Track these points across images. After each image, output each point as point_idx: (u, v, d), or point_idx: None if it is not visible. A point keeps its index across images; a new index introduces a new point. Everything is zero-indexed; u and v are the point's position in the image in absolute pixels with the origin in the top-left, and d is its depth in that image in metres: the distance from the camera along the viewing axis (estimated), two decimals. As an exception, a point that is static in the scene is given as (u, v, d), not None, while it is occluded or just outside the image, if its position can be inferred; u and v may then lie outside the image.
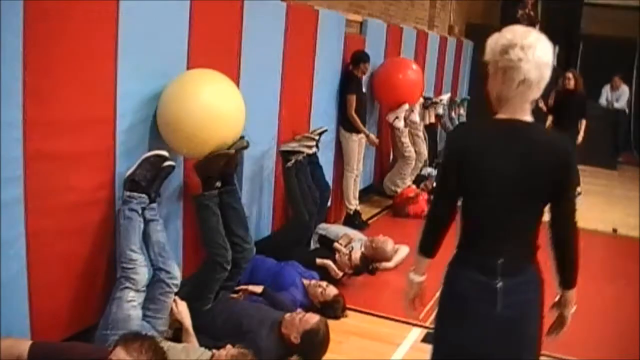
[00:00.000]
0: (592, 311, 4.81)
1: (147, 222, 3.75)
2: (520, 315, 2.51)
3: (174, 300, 3.75)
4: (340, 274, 5.15)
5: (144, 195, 3.72)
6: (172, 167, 3.90)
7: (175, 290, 3.75)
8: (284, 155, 5.43)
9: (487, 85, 2.49)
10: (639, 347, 4.55)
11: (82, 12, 3.31)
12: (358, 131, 6.81)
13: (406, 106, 7.69)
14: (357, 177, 7.06)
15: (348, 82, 6.67)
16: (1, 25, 2.86)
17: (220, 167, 4.07)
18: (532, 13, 12.59)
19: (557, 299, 2.63)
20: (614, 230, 7.77)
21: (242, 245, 4.27)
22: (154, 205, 3.80)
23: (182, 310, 3.77)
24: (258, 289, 4.44)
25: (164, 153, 3.85)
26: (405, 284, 2.85)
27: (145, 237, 3.75)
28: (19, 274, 3.18)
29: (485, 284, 2.48)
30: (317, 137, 5.77)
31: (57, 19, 3.17)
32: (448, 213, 2.59)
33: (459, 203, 2.58)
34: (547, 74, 2.39)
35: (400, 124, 7.63)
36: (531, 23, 12.64)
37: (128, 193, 3.70)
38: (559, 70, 12.39)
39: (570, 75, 9.03)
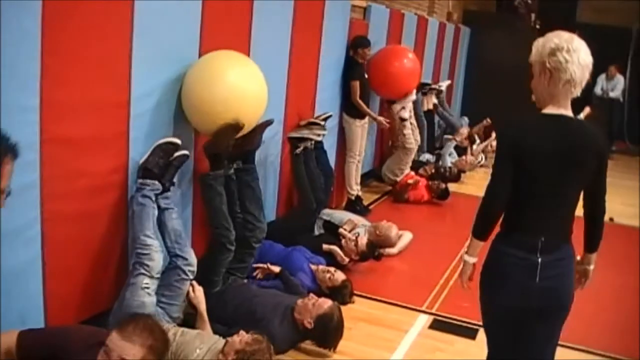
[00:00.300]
0: (599, 298, 4.87)
1: (162, 210, 3.74)
2: (555, 287, 2.84)
3: (192, 285, 3.74)
4: (347, 260, 5.16)
5: (156, 182, 3.71)
6: (186, 157, 3.91)
7: (192, 277, 3.73)
8: (293, 142, 5.41)
9: (530, 83, 2.82)
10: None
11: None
12: (361, 117, 6.80)
13: (413, 96, 7.68)
14: (359, 162, 7.06)
15: (351, 68, 6.64)
16: (20, 10, 2.83)
17: (229, 145, 4.04)
18: (529, 1, 12.57)
19: (580, 258, 3.00)
20: (611, 219, 7.81)
21: (255, 224, 4.31)
22: (169, 194, 3.79)
23: (199, 295, 3.76)
24: (276, 268, 4.44)
25: (176, 140, 3.84)
26: (462, 267, 3.05)
27: (161, 226, 3.74)
28: (35, 258, 3.17)
29: (527, 259, 2.78)
30: (323, 123, 5.76)
31: (74, 4, 3.14)
32: (505, 199, 2.81)
33: None
34: (587, 75, 2.71)
35: (405, 114, 7.61)
36: (528, 11, 12.67)
37: (141, 180, 3.69)
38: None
39: None
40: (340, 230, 5.52)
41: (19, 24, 2.84)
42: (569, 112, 2.75)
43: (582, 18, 13.88)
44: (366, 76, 6.86)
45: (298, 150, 5.39)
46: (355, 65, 6.64)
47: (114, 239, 3.68)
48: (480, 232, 2.89)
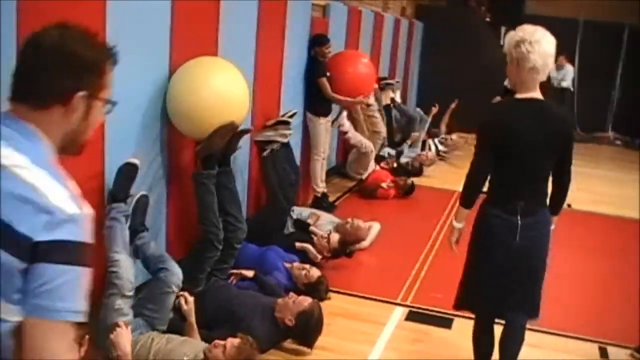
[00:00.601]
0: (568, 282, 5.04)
1: (138, 247, 3.80)
2: (532, 246, 3.34)
3: (184, 297, 3.74)
4: (319, 257, 5.21)
5: (121, 204, 3.75)
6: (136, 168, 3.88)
7: (177, 290, 3.71)
8: (260, 145, 5.42)
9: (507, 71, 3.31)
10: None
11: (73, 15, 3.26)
12: (325, 115, 6.84)
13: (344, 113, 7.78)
14: (324, 160, 7.11)
15: (314, 66, 6.67)
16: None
17: (222, 146, 4.16)
18: (480, -6, 12.82)
19: None
20: (568, 205, 8.04)
21: (235, 225, 4.37)
22: (143, 234, 3.86)
23: (191, 307, 3.74)
24: (249, 273, 4.46)
25: (135, 162, 3.85)
26: (451, 231, 3.55)
27: (139, 254, 3.79)
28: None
29: (509, 220, 3.28)
30: (290, 120, 5.79)
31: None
32: (486, 173, 3.33)
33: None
34: (550, 62, 3.20)
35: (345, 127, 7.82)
36: (479, 4, 12.90)
37: (108, 206, 3.71)
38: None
39: None
40: (312, 228, 5.57)
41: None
42: (537, 95, 3.22)
43: (530, 10, 14.19)
44: (328, 74, 6.90)
45: (265, 153, 5.41)
46: (318, 63, 6.68)
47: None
48: (466, 201, 3.41)
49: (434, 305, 4.85)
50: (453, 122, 11.02)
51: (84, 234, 1.44)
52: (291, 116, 5.85)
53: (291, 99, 6.30)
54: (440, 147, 10.55)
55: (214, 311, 3.99)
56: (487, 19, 13.73)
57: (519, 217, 3.26)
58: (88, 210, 1.46)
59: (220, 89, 4.09)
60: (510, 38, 3.22)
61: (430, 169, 9.45)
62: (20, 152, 1.46)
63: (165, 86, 4.14)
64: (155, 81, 4.08)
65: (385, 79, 9.64)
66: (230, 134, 4.20)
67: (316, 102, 6.74)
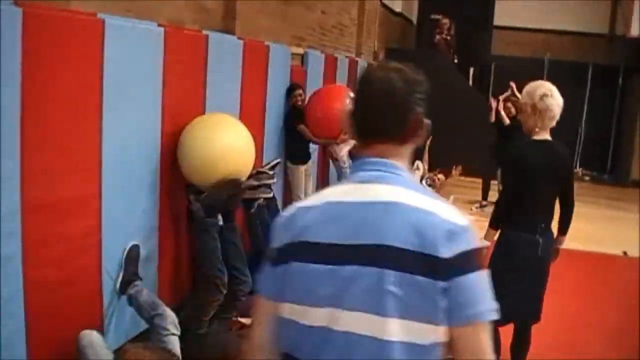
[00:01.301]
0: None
1: (132, 296, 3.89)
2: (547, 259, 4.03)
3: None
4: None
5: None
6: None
7: (176, 331, 3.72)
8: (245, 204, 5.40)
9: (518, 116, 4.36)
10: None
11: (70, 69, 3.35)
12: (304, 162, 6.92)
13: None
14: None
15: (292, 113, 6.77)
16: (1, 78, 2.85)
17: (224, 200, 4.25)
18: (448, 38, 13.09)
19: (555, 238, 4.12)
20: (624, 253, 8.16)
21: (240, 278, 4.38)
22: (136, 282, 3.93)
23: None
24: (249, 321, 4.46)
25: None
26: None
27: (133, 302, 3.89)
28: (17, 330, 3.12)
29: (531, 239, 3.88)
30: (271, 173, 5.80)
31: (50, 71, 3.18)
32: (512, 199, 3.95)
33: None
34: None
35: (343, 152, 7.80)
36: (448, 47, 13.18)
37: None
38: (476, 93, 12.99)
39: (508, 104, 9.58)
40: None
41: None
42: (548, 136, 3.91)
43: (497, 50, 14.56)
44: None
45: (253, 210, 5.38)
46: (294, 110, 6.78)
47: (92, 302, 3.66)
48: (495, 224, 4.02)
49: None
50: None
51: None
52: (274, 166, 5.85)
53: (272, 146, 6.38)
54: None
55: (214, 354, 4.04)
56: (455, 61, 14.03)
57: (538, 235, 3.88)
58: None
59: (232, 145, 4.48)
60: (532, 91, 3.87)
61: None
62: (399, 185, 1.64)
63: (158, 140, 4.21)
64: (148, 136, 4.14)
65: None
66: (233, 188, 4.32)
67: (294, 150, 6.83)
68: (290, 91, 6.76)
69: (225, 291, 4.19)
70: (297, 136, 6.77)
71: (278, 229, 1.71)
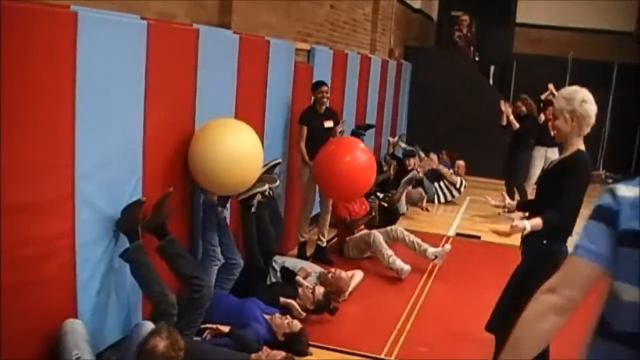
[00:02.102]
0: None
1: None
2: None
3: None
4: (303, 314, 5.04)
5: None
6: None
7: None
8: (243, 204, 5.25)
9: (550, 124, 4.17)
10: None
11: (43, 64, 3.22)
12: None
13: None
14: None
15: (302, 112, 6.59)
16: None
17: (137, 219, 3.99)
18: (468, 35, 12.84)
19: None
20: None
21: (201, 285, 4.19)
22: None
23: None
24: (225, 328, 4.30)
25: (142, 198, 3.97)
26: (515, 226, 3.71)
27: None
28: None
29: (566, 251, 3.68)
30: (275, 176, 5.64)
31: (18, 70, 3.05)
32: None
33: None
34: None
35: None
36: (468, 44, 12.93)
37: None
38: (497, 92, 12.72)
39: (519, 103, 9.26)
40: (297, 278, 5.44)
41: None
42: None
43: (517, 49, 14.25)
44: (328, 124, 6.68)
45: (253, 209, 5.23)
46: (309, 109, 6.60)
47: (64, 306, 3.54)
48: (549, 227, 3.68)
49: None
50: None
51: None
52: (273, 167, 5.70)
53: (274, 145, 6.22)
54: (451, 192, 10.37)
55: None
56: (476, 59, 13.76)
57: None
58: None
59: (241, 151, 4.64)
60: (570, 97, 3.66)
61: (415, 211, 9.33)
62: None
63: (139, 139, 4.08)
64: (128, 134, 3.99)
65: (371, 126, 9.55)
66: (168, 200, 4.14)
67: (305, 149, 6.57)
68: (316, 86, 6.58)
69: (175, 311, 3.95)
70: (308, 136, 6.57)
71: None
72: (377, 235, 6.73)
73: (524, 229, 3.67)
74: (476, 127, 12.49)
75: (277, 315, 4.66)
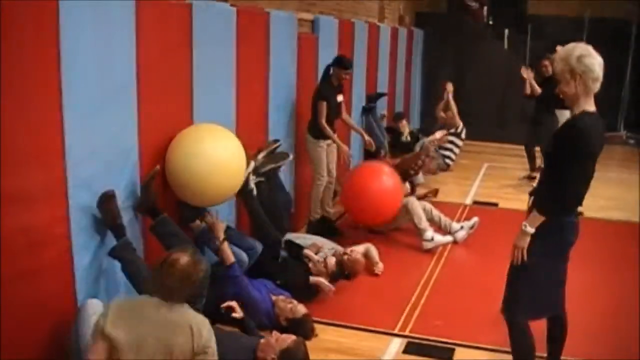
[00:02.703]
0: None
1: None
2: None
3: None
4: (333, 289, 5.02)
5: None
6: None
7: None
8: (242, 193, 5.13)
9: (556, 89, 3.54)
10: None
11: (23, 46, 3.09)
12: (325, 137, 6.47)
13: None
14: (331, 184, 6.80)
15: (323, 87, 6.43)
16: None
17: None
18: (481, -4, 12.57)
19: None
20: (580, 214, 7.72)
21: None
22: None
23: None
24: (239, 314, 4.16)
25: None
26: (522, 238, 3.52)
27: None
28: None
29: (576, 223, 3.57)
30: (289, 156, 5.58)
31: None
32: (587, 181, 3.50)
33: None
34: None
35: None
36: (481, 7, 12.65)
37: None
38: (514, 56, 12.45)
39: (546, 62, 8.94)
40: (306, 251, 5.35)
41: None
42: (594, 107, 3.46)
43: (532, 10, 13.91)
44: (340, 98, 6.58)
45: (250, 188, 5.11)
46: (327, 85, 6.43)
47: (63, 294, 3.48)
48: (549, 213, 3.46)
49: (434, 335, 4.60)
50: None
51: None
52: (273, 150, 5.55)
53: (280, 122, 6.08)
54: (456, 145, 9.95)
55: None
56: (490, 22, 13.47)
57: (578, 218, 3.58)
58: None
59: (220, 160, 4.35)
60: (566, 55, 3.39)
61: (432, 178, 9.12)
62: None
63: (134, 125, 3.97)
64: (119, 121, 3.86)
65: (382, 94, 9.37)
66: (154, 180, 4.08)
67: (315, 123, 6.41)
68: (339, 65, 6.39)
69: None
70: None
71: None
72: (413, 199, 6.67)
73: (527, 234, 3.49)
74: (493, 95, 12.28)
75: (281, 298, 4.55)
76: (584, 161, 3.40)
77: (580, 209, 3.62)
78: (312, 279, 5.04)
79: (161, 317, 3.02)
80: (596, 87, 3.40)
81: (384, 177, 6.54)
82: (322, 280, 5.04)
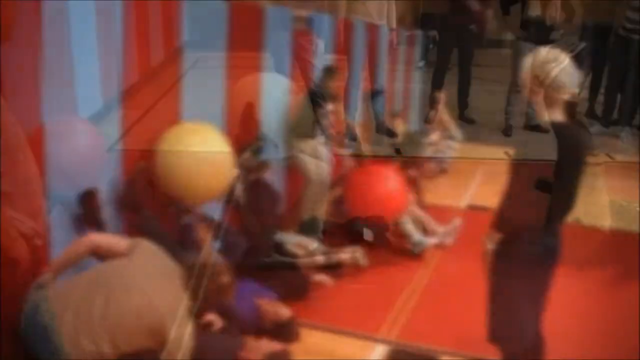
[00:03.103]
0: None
1: None
2: None
3: None
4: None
5: None
6: None
7: None
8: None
9: None
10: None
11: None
12: None
13: None
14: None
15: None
16: None
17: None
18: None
19: None
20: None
21: None
22: None
23: None
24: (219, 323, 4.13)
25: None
26: None
27: None
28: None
29: None
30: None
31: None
32: None
33: None
34: None
35: None
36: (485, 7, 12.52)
37: None
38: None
39: None
40: (294, 249, 5.41)
41: None
42: None
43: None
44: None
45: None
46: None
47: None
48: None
49: (421, 341, 4.59)
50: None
51: None
52: (257, 150, 5.55)
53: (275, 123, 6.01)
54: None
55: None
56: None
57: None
58: None
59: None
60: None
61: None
62: None
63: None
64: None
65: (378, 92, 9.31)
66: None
67: None
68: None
69: None
70: None
71: None
72: None
73: None
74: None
75: (265, 301, 4.51)
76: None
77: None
78: (317, 278, 5.06)
79: None
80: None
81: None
82: (324, 277, 5.07)
